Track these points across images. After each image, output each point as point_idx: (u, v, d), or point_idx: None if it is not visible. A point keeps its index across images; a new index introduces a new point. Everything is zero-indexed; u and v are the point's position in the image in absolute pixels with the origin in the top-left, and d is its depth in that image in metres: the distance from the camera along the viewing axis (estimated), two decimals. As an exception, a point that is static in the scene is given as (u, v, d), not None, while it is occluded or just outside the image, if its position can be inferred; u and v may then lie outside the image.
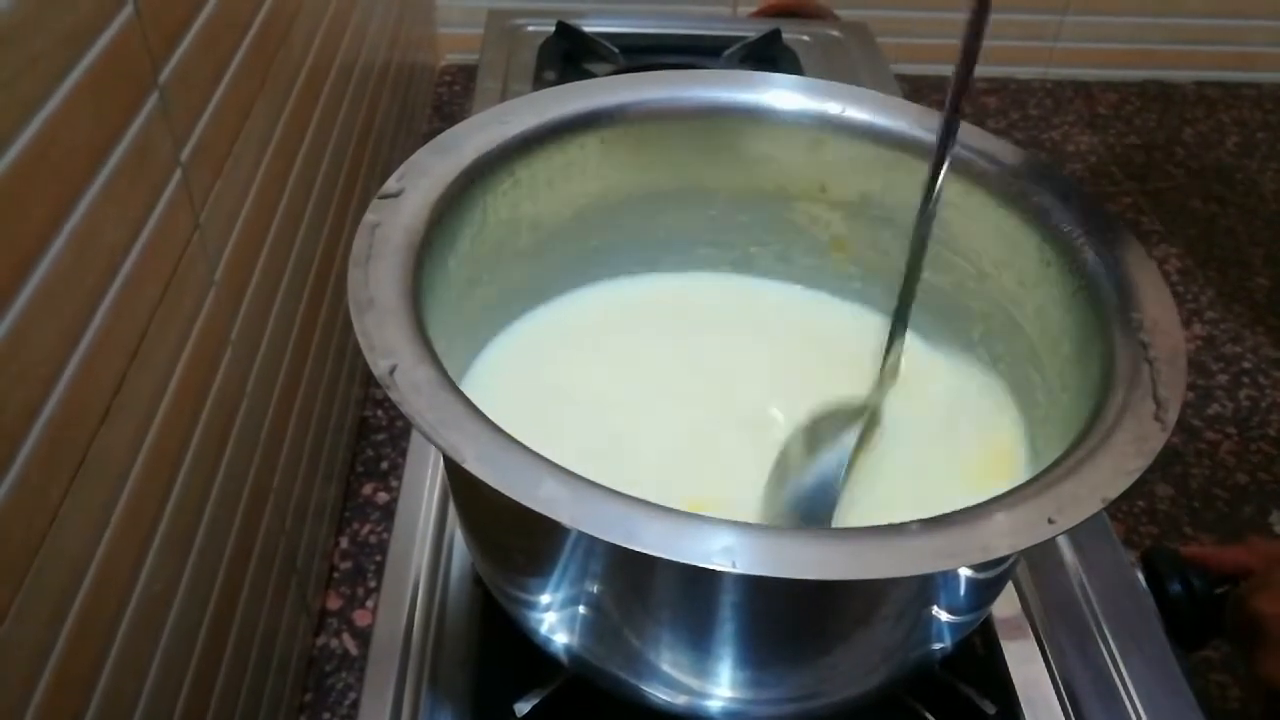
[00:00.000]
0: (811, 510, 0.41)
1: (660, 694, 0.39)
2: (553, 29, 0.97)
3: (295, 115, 0.78)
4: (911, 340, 0.51)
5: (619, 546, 0.29)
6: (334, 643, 0.92)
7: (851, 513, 0.43)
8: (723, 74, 0.51)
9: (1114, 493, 0.32)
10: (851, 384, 0.50)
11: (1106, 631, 0.49)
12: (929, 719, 0.45)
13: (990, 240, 0.46)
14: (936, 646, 0.40)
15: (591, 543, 0.33)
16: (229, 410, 0.65)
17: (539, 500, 0.30)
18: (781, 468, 0.44)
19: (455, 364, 0.45)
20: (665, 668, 0.38)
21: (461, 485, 0.41)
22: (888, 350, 0.46)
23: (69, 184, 0.44)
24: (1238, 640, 0.50)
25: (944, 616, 0.38)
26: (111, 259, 0.48)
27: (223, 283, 0.63)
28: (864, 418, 0.45)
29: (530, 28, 0.99)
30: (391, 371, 0.33)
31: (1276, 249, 1.43)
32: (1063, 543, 0.54)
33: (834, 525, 0.41)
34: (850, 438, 0.43)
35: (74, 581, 0.45)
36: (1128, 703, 0.47)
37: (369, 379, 1.10)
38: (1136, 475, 0.32)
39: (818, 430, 0.45)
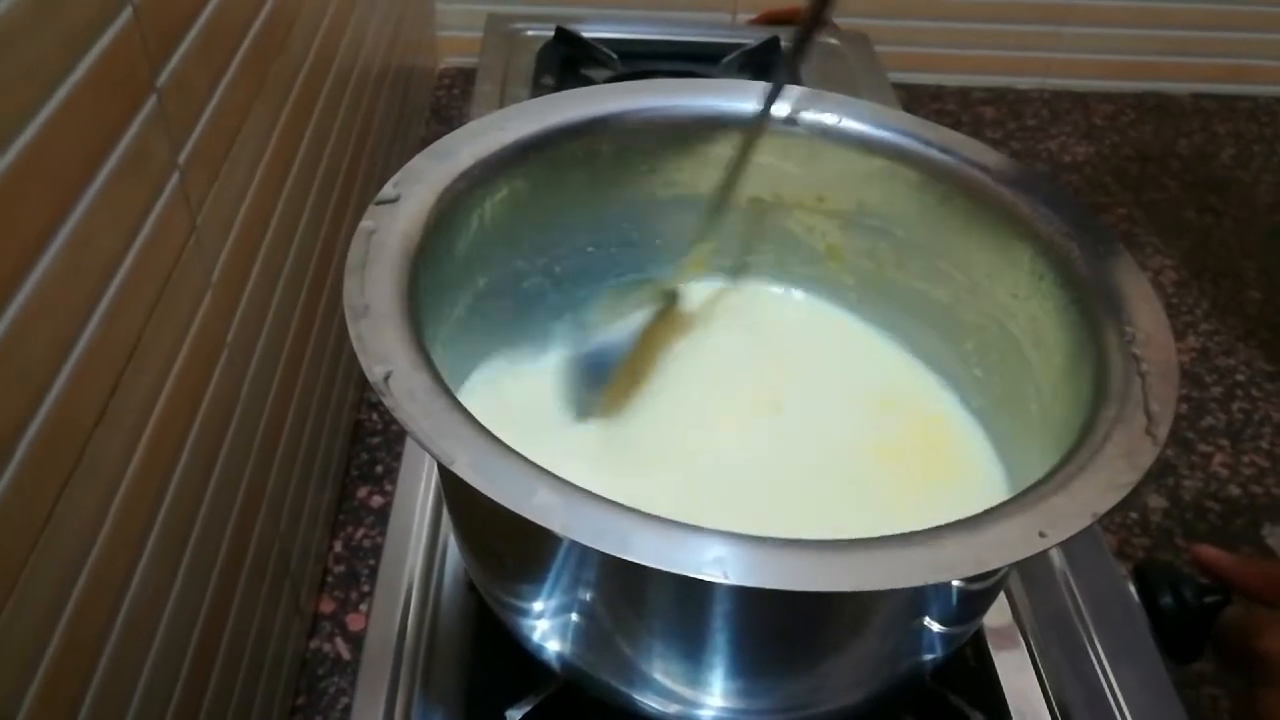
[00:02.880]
0: (595, 365, 0.47)
1: (652, 703, 0.39)
2: (552, 34, 0.97)
3: (293, 118, 0.78)
4: (901, 355, 0.52)
5: (611, 555, 0.29)
6: (327, 646, 0.92)
7: (831, 525, 0.43)
8: (720, 83, 0.51)
9: (1104, 507, 0.32)
10: (847, 390, 0.50)
11: (1098, 643, 0.50)
12: (920, 729, 0.45)
13: (983, 252, 0.47)
14: (928, 657, 0.40)
15: (584, 551, 0.34)
16: (224, 413, 0.65)
17: (532, 508, 0.30)
18: (580, 322, 0.50)
19: (454, 371, 0.45)
20: (657, 676, 0.38)
21: (455, 491, 0.41)
22: (698, 240, 0.50)
23: (67, 186, 0.44)
24: (1238, 672, 0.49)
25: (935, 628, 0.38)
26: (108, 261, 0.48)
27: (219, 285, 0.63)
28: (667, 299, 0.49)
29: (529, 32, 0.99)
30: (386, 378, 0.33)
31: (1270, 261, 1.43)
32: (1054, 554, 0.54)
33: (606, 389, 0.47)
34: (647, 313, 0.48)
35: (68, 583, 0.45)
36: (1118, 715, 0.47)
37: (364, 382, 1.10)
38: (1127, 490, 0.32)
39: (625, 297, 0.50)
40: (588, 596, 0.37)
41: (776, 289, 0.55)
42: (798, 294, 0.55)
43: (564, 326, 0.52)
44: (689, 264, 0.51)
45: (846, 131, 0.49)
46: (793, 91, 0.50)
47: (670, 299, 0.50)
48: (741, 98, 0.50)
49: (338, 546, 1.00)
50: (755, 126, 0.47)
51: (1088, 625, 0.50)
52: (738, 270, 0.55)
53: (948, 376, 0.51)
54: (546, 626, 0.40)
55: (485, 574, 0.43)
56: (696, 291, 0.54)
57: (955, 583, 0.36)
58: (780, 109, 0.49)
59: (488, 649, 0.47)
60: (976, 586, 0.39)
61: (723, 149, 0.50)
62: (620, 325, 0.48)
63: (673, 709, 0.39)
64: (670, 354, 0.51)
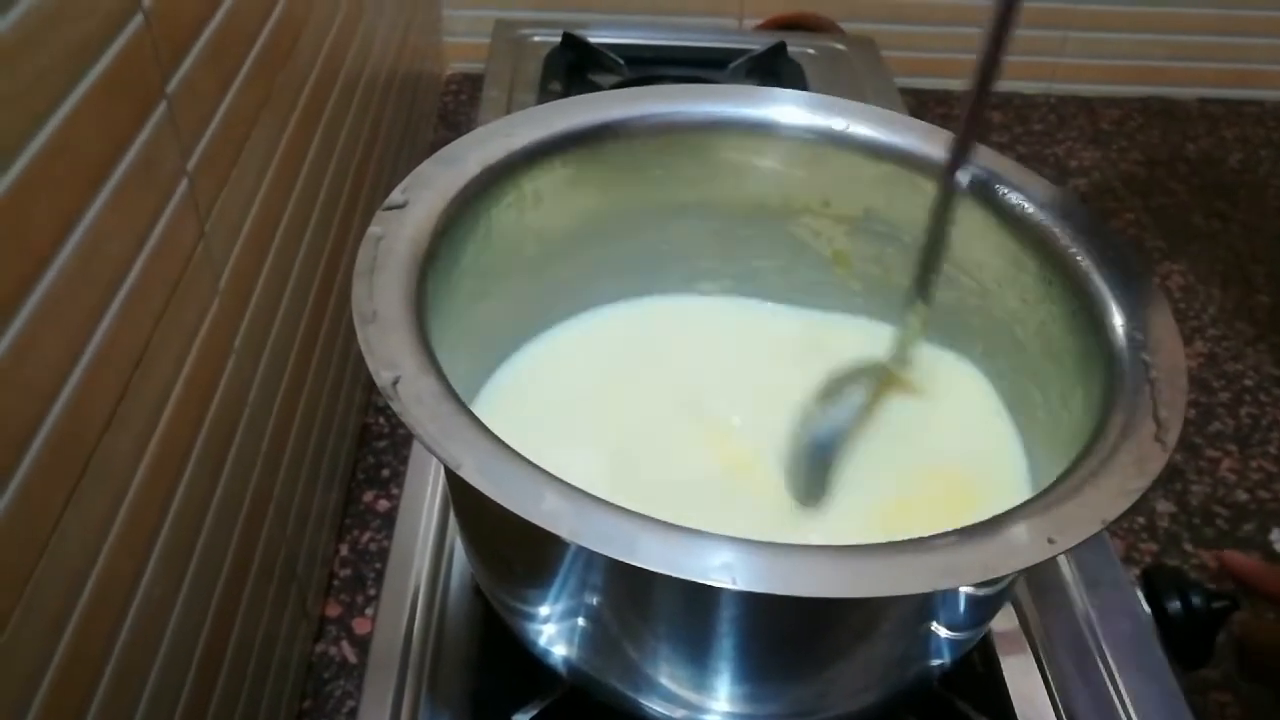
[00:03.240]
0: (820, 454, 0.45)
1: (658, 707, 0.39)
2: (559, 40, 0.97)
3: (301, 124, 0.79)
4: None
5: (619, 561, 0.29)
6: (333, 650, 0.92)
7: (842, 525, 0.43)
8: (726, 88, 0.51)
9: (1114, 514, 0.32)
10: (860, 394, 0.50)
11: (1105, 649, 0.49)
12: (927, 735, 0.45)
13: (992, 257, 0.46)
14: (935, 663, 0.40)
15: (591, 556, 0.34)
16: (231, 418, 0.65)
17: (539, 514, 0.30)
18: (803, 416, 0.47)
19: (465, 378, 0.45)
20: (664, 681, 0.38)
21: (462, 496, 0.41)
22: (908, 319, 0.47)
23: (77, 193, 0.44)
24: (1268, 683, 0.49)
25: (943, 633, 0.38)
26: (117, 268, 0.48)
27: (227, 291, 0.63)
28: (878, 376, 0.48)
29: (536, 38, 0.99)
30: (394, 383, 0.34)
31: (1279, 266, 1.43)
32: (1063, 560, 0.54)
33: (835, 471, 0.45)
34: (863, 394, 0.47)
35: (75, 589, 0.45)
36: (1126, 721, 0.47)
37: (371, 385, 1.10)
38: (1137, 496, 0.32)
39: (837, 387, 0.48)
40: (594, 601, 0.37)
41: (783, 296, 0.55)
42: (801, 301, 0.55)
43: (573, 331, 0.51)
44: (906, 340, 0.48)
45: (853, 137, 0.49)
46: (802, 98, 0.50)
47: (888, 375, 0.49)
48: (750, 104, 0.50)
49: (344, 550, 1.00)
50: (946, 194, 0.43)
51: (1095, 631, 0.50)
52: (744, 277, 0.55)
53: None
54: (553, 631, 0.40)
55: (491, 578, 0.43)
56: (701, 304, 0.54)
57: (963, 589, 0.36)
58: (787, 115, 0.49)
59: (494, 653, 0.47)
60: (985, 592, 0.39)
61: (731, 155, 0.50)
62: (838, 407, 0.46)
63: (679, 714, 0.39)
64: (677, 367, 0.51)
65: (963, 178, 0.44)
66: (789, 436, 0.46)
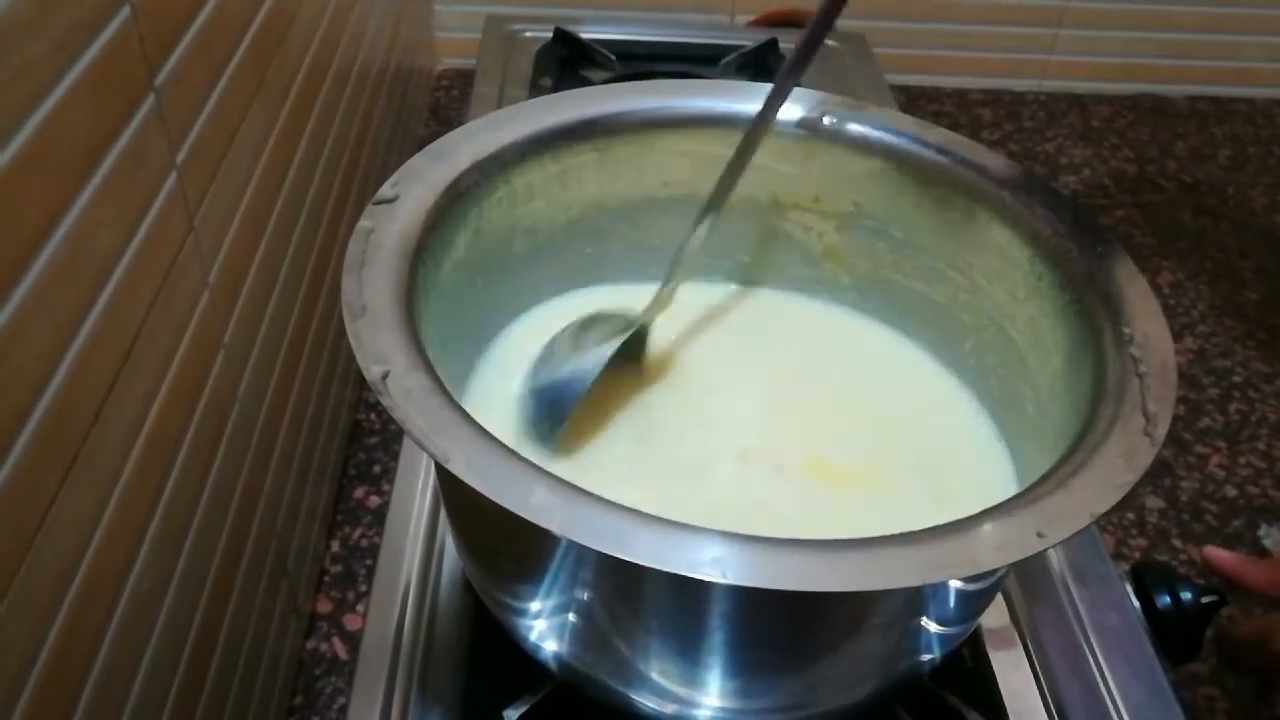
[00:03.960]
0: (556, 399, 0.44)
1: (649, 702, 0.39)
2: (550, 35, 0.97)
3: (291, 118, 0.78)
4: (906, 347, 0.52)
5: (608, 555, 0.29)
6: (324, 646, 0.91)
7: (829, 521, 0.43)
8: (717, 84, 0.51)
9: (1102, 508, 0.32)
10: (845, 390, 0.50)
11: (1095, 643, 0.50)
12: (917, 729, 0.45)
13: (982, 253, 0.47)
14: (925, 657, 0.40)
15: (581, 551, 0.34)
16: (221, 412, 0.65)
17: (529, 508, 0.30)
18: (547, 352, 0.47)
19: (455, 372, 0.45)
20: (654, 676, 0.38)
21: (452, 491, 0.41)
22: (670, 274, 0.48)
23: (63, 186, 0.44)
24: (1247, 675, 0.49)
25: (933, 628, 0.38)
26: (105, 261, 0.48)
27: (216, 285, 0.63)
28: (631, 329, 0.47)
29: (528, 33, 0.99)
30: (384, 377, 0.33)
31: (1267, 263, 1.43)
32: (1052, 555, 0.54)
33: (567, 419, 0.44)
34: (613, 344, 0.45)
35: (63, 583, 0.45)
36: (1115, 715, 0.47)
37: (362, 382, 1.10)
38: (1125, 490, 0.32)
39: (590, 329, 0.47)
40: (585, 596, 0.37)
41: (772, 291, 0.55)
42: (791, 295, 0.55)
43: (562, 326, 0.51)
44: (662, 297, 0.48)
45: (844, 132, 0.49)
46: (792, 93, 0.50)
47: (640, 334, 0.48)
48: (741, 99, 0.50)
49: (335, 546, 0.99)
50: (753, 133, 0.45)
51: (1085, 626, 0.50)
52: (735, 272, 0.55)
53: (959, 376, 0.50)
54: (544, 626, 0.40)
55: (482, 574, 0.43)
56: (691, 299, 0.54)
57: (953, 583, 0.36)
58: (780, 110, 0.49)
59: (485, 649, 0.47)
60: (974, 587, 0.39)
61: (723, 150, 0.50)
62: (584, 358, 0.45)
63: (669, 709, 0.39)
64: (666, 361, 0.51)
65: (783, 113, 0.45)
66: (529, 373, 0.46)
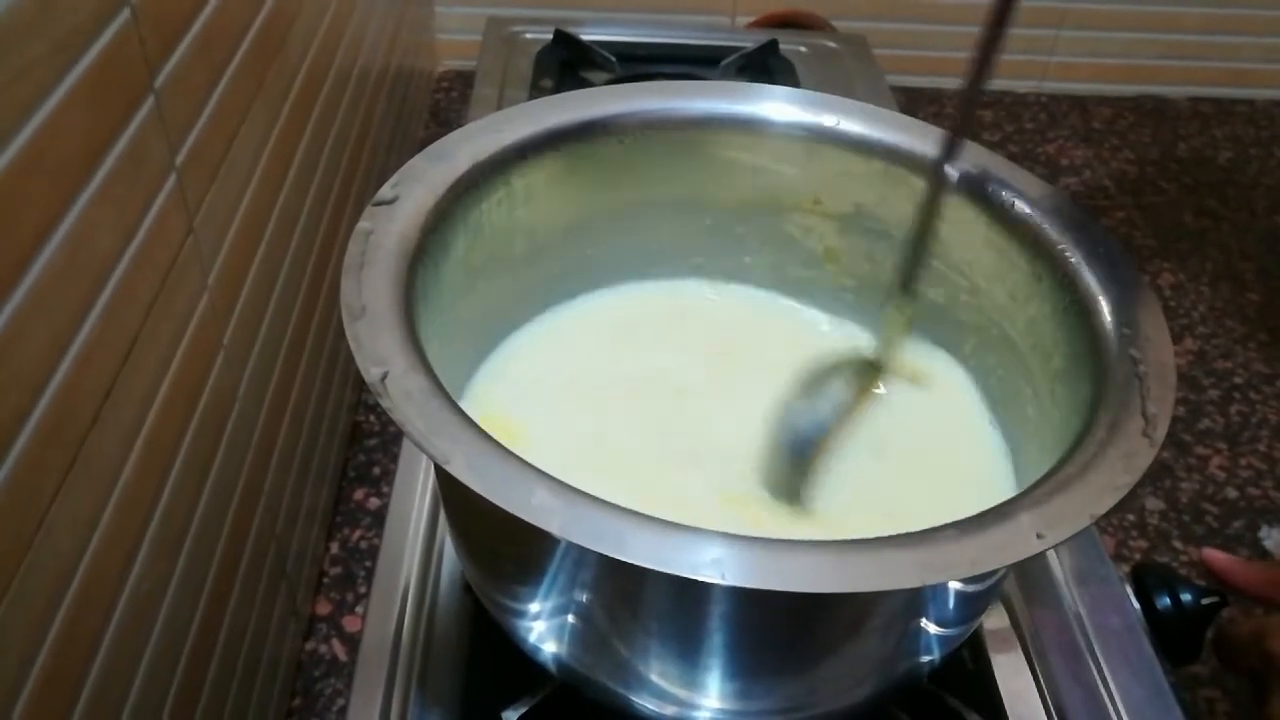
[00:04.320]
0: (799, 449, 0.45)
1: (648, 704, 0.39)
2: (550, 37, 0.97)
3: (291, 120, 0.78)
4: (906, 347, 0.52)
5: (608, 557, 0.29)
6: (323, 648, 0.91)
7: (830, 521, 0.43)
8: (718, 85, 0.51)
9: (1102, 509, 0.32)
10: (844, 389, 0.50)
11: (1095, 645, 0.50)
12: (917, 731, 0.45)
13: (982, 254, 0.47)
14: (925, 659, 0.40)
15: (581, 552, 0.34)
16: (221, 414, 0.65)
17: (529, 509, 0.30)
18: (782, 411, 0.46)
19: (455, 373, 0.45)
20: (654, 678, 0.38)
21: (452, 492, 0.41)
22: (892, 315, 0.47)
23: (63, 188, 0.44)
24: (1243, 675, 0.49)
25: (932, 629, 0.38)
26: (105, 263, 0.48)
27: (216, 287, 0.63)
28: (861, 370, 0.47)
29: (528, 35, 0.99)
30: (383, 379, 0.33)
31: (1269, 264, 1.43)
32: (1052, 557, 0.54)
33: (815, 467, 0.45)
34: (845, 389, 0.46)
35: (62, 584, 0.45)
36: (1115, 717, 0.47)
37: (362, 384, 1.10)
38: (1125, 492, 0.32)
39: (817, 380, 0.47)
40: (585, 598, 0.36)
41: (773, 293, 0.55)
42: (792, 298, 0.55)
43: (563, 328, 0.51)
44: (890, 335, 0.48)
45: (844, 133, 0.49)
46: (791, 94, 0.50)
47: (873, 370, 0.48)
48: (741, 100, 0.50)
49: (334, 548, 0.99)
50: (936, 188, 0.43)
51: (1085, 627, 0.50)
52: (735, 274, 0.55)
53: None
54: (543, 628, 0.40)
55: (482, 575, 0.43)
56: (691, 300, 0.54)
57: (953, 584, 0.36)
58: (778, 111, 0.49)
59: (484, 651, 0.47)
60: (974, 588, 0.39)
61: (722, 151, 0.50)
62: (821, 402, 0.46)
63: (669, 710, 0.39)
64: (667, 364, 0.51)
65: (952, 172, 0.44)
66: (768, 432, 0.45)
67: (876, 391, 0.49)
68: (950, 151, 0.43)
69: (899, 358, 0.48)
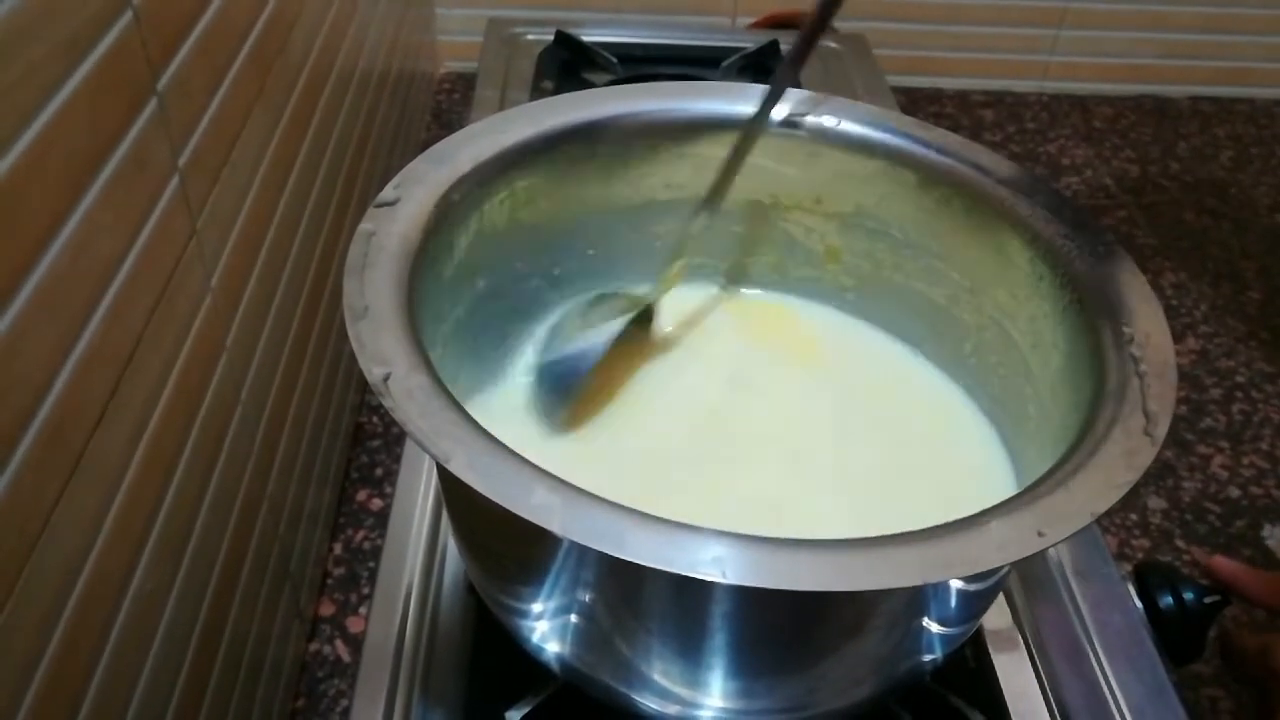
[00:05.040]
0: (564, 375, 0.46)
1: (651, 703, 0.39)
2: (551, 38, 0.97)
3: (293, 122, 0.79)
4: (901, 349, 0.52)
5: (609, 555, 0.29)
6: (327, 649, 0.92)
7: (828, 522, 0.43)
8: (718, 86, 0.51)
9: (1103, 507, 0.32)
10: (845, 390, 0.50)
11: (1097, 645, 0.50)
12: (919, 730, 0.45)
13: (982, 253, 0.47)
14: (927, 658, 0.40)
15: (582, 551, 0.34)
16: (224, 415, 0.65)
17: (529, 508, 0.30)
18: (555, 329, 0.48)
19: (456, 374, 0.45)
20: (656, 677, 0.38)
21: (454, 492, 0.41)
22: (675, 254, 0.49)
23: (66, 190, 0.44)
24: (1248, 684, 0.49)
25: (934, 628, 0.38)
26: (108, 265, 0.48)
27: (219, 289, 0.63)
28: (638, 308, 0.48)
29: (529, 36, 0.99)
30: (385, 379, 0.33)
31: (1270, 263, 1.43)
32: (1054, 555, 0.54)
33: (575, 397, 0.46)
34: (620, 322, 0.47)
35: (67, 585, 0.45)
36: (1118, 716, 0.47)
37: (364, 385, 1.10)
38: (1125, 489, 0.32)
39: (597, 307, 0.49)
40: (586, 597, 0.37)
41: (774, 292, 0.55)
42: (793, 297, 0.55)
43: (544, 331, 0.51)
44: (668, 277, 0.49)
45: (845, 134, 0.49)
46: (791, 94, 0.50)
47: (646, 312, 0.49)
48: (741, 100, 0.50)
49: (338, 549, 1.00)
50: (750, 130, 0.46)
51: (1087, 626, 0.50)
52: (735, 273, 0.55)
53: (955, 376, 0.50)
54: (545, 627, 0.40)
55: (484, 575, 0.43)
56: (693, 300, 0.55)
57: (954, 583, 0.36)
58: (779, 111, 0.49)
59: (487, 650, 0.47)
60: (975, 586, 0.39)
61: (723, 152, 0.50)
62: (591, 334, 0.47)
63: (672, 709, 0.39)
64: (670, 364, 0.51)
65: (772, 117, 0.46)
66: (540, 351, 0.47)
67: (649, 333, 0.50)
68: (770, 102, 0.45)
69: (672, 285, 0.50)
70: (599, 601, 0.37)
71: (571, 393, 0.46)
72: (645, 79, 0.51)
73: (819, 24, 0.43)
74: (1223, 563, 0.51)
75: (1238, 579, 0.51)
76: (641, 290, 0.50)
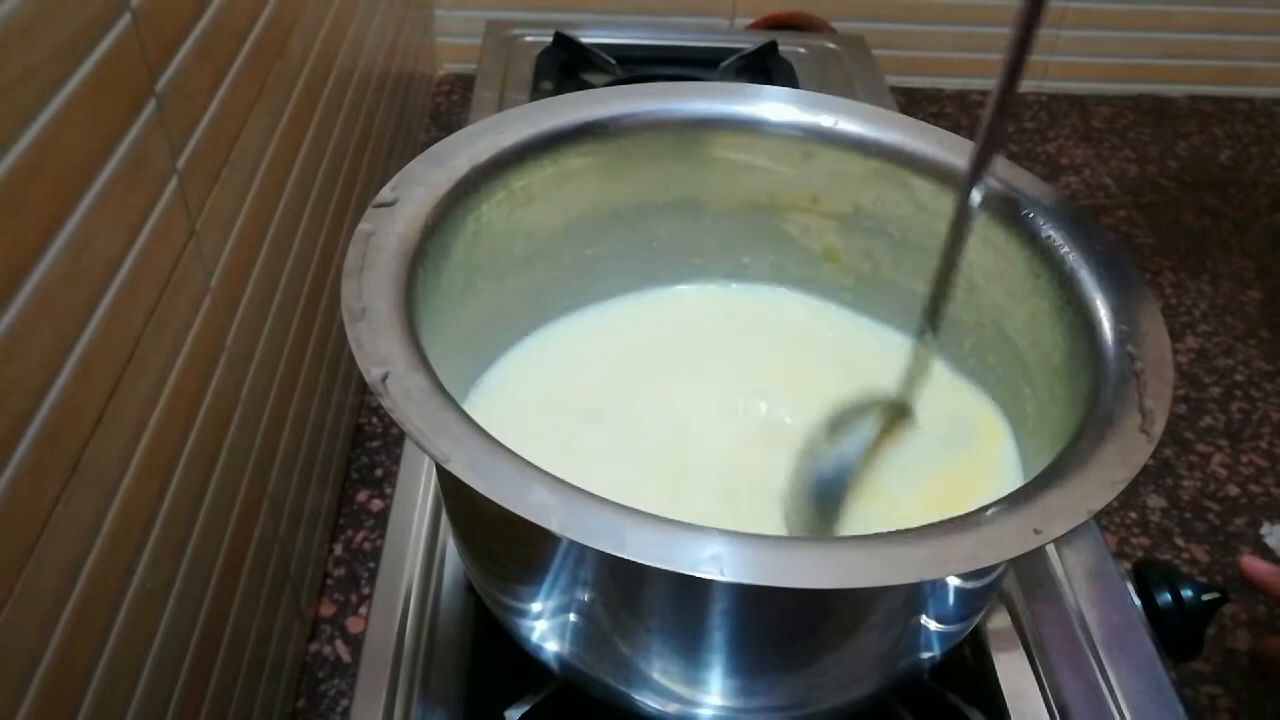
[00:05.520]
0: (826, 491, 0.43)
1: (650, 702, 0.39)
2: (550, 40, 0.98)
3: (292, 123, 0.79)
4: (906, 346, 0.52)
5: (608, 554, 0.29)
6: (327, 649, 0.92)
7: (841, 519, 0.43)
8: (716, 86, 0.51)
9: (1100, 504, 0.32)
10: (845, 390, 0.50)
11: (1096, 643, 0.50)
12: (918, 728, 0.45)
13: (980, 252, 0.47)
14: (925, 655, 0.40)
15: (581, 550, 0.34)
16: (223, 416, 0.65)
17: (528, 507, 0.30)
18: (807, 451, 0.45)
19: (455, 374, 0.45)
20: (655, 675, 0.38)
21: (453, 492, 0.41)
22: (916, 348, 0.45)
23: (65, 191, 0.44)
24: (1267, 681, 0.48)
25: (932, 625, 0.38)
26: (107, 266, 0.48)
27: (218, 290, 0.63)
28: (887, 410, 0.46)
29: (528, 38, 1.00)
30: (384, 379, 0.34)
31: (1269, 262, 1.43)
32: (1053, 553, 0.54)
33: (843, 509, 0.43)
34: (871, 427, 0.45)
35: (66, 587, 0.45)
36: (1117, 714, 0.47)
37: (364, 386, 1.10)
38: (1122, 487, 0.33)
39: (844, 419, 0.46)
40: (585, 596, 0.37)
41: (773, 291, 0.55)
42: (792, 297, 0.55)
43: (564, 328, 0.51)
44: (915, 371, 0.45)
45: (842, 133, 0.49)
46: (791, 94, 0.50)
47: (899, 411, 0.46)
48: (740, 101, 0.50)
49: (338, 550, 1.00)
50: (962, 214, 0.40)
51: (1086, 624, 0.50)
52: (735, 273, 0.55)
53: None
54: (545, 627, 0.40)
55: (484, 575, 0.43)
56: (691, 300, 0.55)
57: (952, 580, 0.36)
58: (779, 112, 0.49)
59: (487, 650, 0.48)
60: (973, 584, 0.39)
61: (720, 152, 0.50)
62: (847, 442, 0.44)
63: (671, 708, 0.39)
64: (670, 364, 0.51)
65: (978, 195, 0.40)
66: (793, 473, 0.44)
67: (903, 428, 0.47)
68: (978, 170, 0.39)
69: (921, 395, 0.46)
70: (598, 600, 0.37)
71: (840, 502, 0.44)
72: (644, 80, 0.51)
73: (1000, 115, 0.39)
74: (1256, 565, 0.51)
75: (1271, 582, 0.50)
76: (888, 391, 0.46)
